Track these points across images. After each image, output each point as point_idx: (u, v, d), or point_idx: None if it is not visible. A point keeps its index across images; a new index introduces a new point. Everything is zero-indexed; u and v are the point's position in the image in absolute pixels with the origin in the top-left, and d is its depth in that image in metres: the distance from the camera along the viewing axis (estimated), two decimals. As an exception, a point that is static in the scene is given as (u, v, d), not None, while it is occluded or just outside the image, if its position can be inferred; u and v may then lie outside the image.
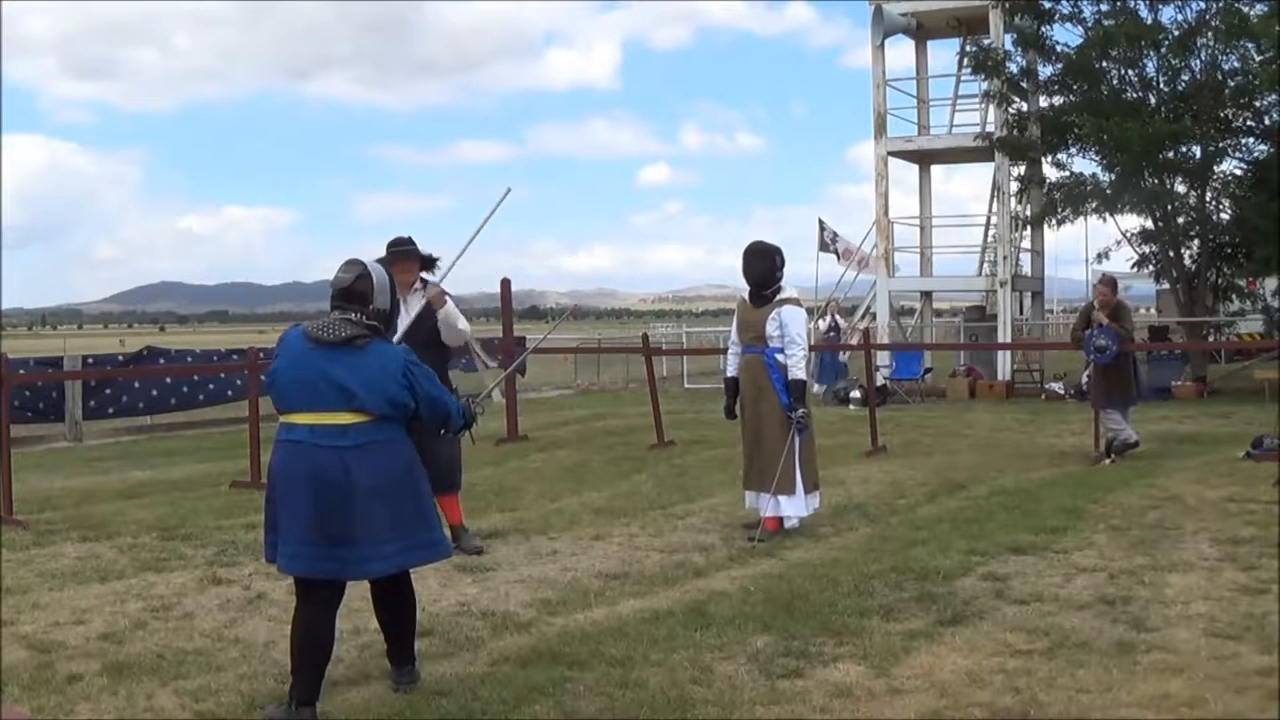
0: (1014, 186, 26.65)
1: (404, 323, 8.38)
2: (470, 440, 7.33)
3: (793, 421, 9.58)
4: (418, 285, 8.86)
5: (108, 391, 20.10)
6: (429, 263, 8.90)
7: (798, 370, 9.65)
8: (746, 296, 9.95)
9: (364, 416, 5.57)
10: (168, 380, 21.09)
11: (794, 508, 9.71)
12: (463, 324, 9.11)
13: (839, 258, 28.67)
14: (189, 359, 22.53)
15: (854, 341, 23.98)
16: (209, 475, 13.90)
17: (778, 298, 9.75)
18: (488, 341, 20.26)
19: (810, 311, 27.44)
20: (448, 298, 8.95)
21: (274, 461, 5.70)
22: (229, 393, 21.71)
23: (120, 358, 22.76)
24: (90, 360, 21.49)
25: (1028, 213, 26.97)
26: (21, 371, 16.41)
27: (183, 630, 7.08)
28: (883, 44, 26.73)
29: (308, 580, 5.64)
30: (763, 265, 9.79)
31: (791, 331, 9.63)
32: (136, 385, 20.58)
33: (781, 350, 9.65)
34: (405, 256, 8.74)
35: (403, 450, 5.73)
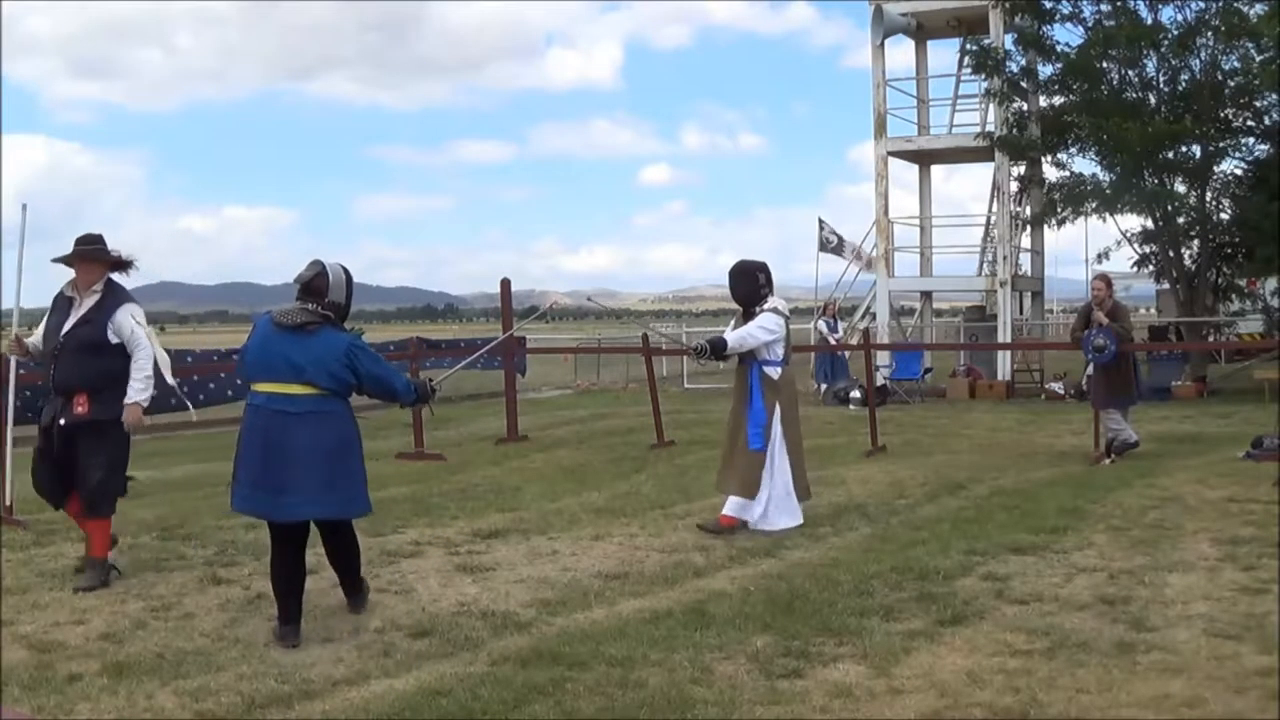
0: (1014, 186, 26.68)
1: (70, 322, 8.24)
2: (430, 412, 9.15)
3: (695, 351, 10.51)
4: (98, 287, 8.32)
5: (108, 391, 20.09)
6: (121, 265, 8.47)
7: (733, 338, 10.02)
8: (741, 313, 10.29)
9: (311, 389, 6.81)
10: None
11: (744, 511, 9.88)
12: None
13: (844, 255, 28.66)
14: (189, 359, 22.55)
15: (853, 341, 24.01)
16: (209, 475, 13.89)
17: (760, 311, 10.03)
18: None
19: (809, 311, 27.44)
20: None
21: (241, 422, 7.01)
22: (229, 392, 21.68)
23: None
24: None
25: (1028, 213, 27.00)
26: (22, 371, 16.37)
27: (183, 630, 7.08)
28: (883, 44, 26.74)
29: (271, 525, 7.00)
30: (746, 285, 10.14)
31: (753, 324, 9.96)
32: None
33: (766, 363, 9.97)
34: (88, 256, 8.32)
35: (340, 422, 6.95)
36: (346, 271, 7.18)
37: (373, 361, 7.05)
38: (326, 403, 6.86)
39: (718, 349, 10.06)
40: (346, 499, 6.96)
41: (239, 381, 8.01)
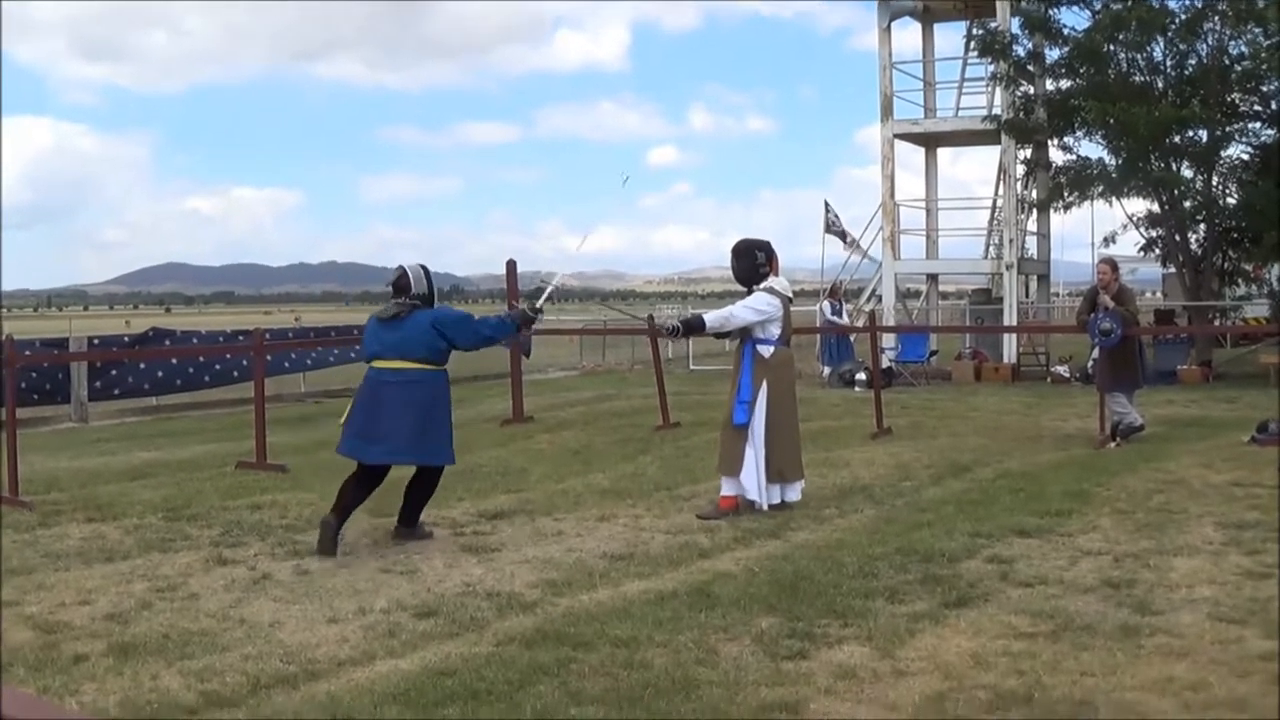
0: (1020, 170, 26.62)
1: None
2: (525, 356, 10.39)
3: (666, 332, 11.28)
4: None
5: (113, 373, 20.13)
6: None
7: (714, 316, 10.22)
8: None
9: (408, 363, 8.75)
10: (173, 361, 21.12)
11: (732, 488, 9.88)
12: None
13: (843, 242, 28.65)
14: (195, 340, 22.56)
15: (859, 324, 23.98)
16: (215, 456, 13.93)
17: (755, 290, 10.08)
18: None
19: (815, 294, 27.41)
20: None
21: (357, 390, 9.08)
22: (235, 374, 21.72)
23: (126, 339, 22.77)
24: (96, 341, 21.53)
25: (1034, 196, 26.96)
26: (27, 353, 16.42)
27: (188, 611, 7.09)
28: (890, 27, 26.69)
29: (360, 464, 8.88)
30: (745, 264, 10.19)
31: (739, 303, 10.06)
32: (142, 366, 20.62)
33: (759, 341, 10.00)
34: None
35: (429, 388, 8.79)
36: (424, 268, 9.11)
37: (457, 322, 8.94)
38: (419, 373, 8.74)
39: (692, 327, 10.19)
40: (429, 451, 8.85)
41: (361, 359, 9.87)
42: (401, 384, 8.70)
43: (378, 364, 8.85)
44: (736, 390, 9.99)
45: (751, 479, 9.80)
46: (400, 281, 8.99)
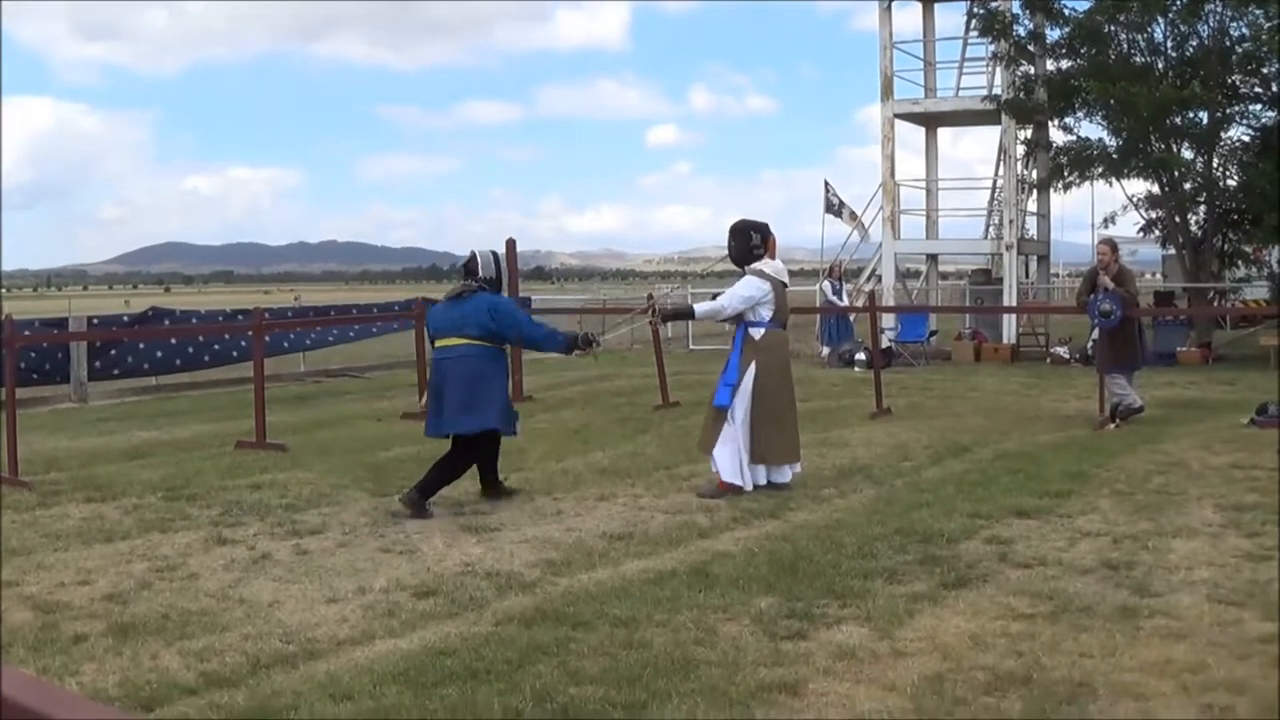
0: (1020, 150, 26.57)
1: None
2: (594, 359, 11.82)
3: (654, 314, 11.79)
4: None
5: (113, 352, 20.12)
6: None
7: (704, 307, 10.50)
8: None
9: (464, 339, 9.38)
10: (173, 341, 21.08)
11: (721, 467, 9.88)
12: None
13: (844, 219, 28.63)
14: (194, 320, 22.53)
15: (859, 304, 23.96)
16: (214, 436, 13.94)
17: (750, 268, 10.15)
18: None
19: (815, 274, 27.39)
20: None
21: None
22: (234, 353, 21.68)
23: (125, 318, 22.75)
24: (95, 321, 21.49)
25: (1034, 176, 26.91)
26: (27, 332, 16.40)
27: (187, 591, 7.11)
28: (890, 6, 26.61)
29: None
30: (738, 244, 10.26)
31: (728, 292, 10.18)
32: (142, 346, 20.59)
33: (750, 323, 10.03)
34: None
35: (481, 362, 9.37)
36: (495, 254, 9.88)
37: (509, 315, 9.54)
38: (472, 348, 9.36)
39: (681, 315, 10.53)
40: (480, 419, 9.32)
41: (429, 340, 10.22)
42: (456, 359, 9.36)
43: (439, 343, 9.56)
44: (723, 371, 10.04)
45: (725, 459, 9.80)
46: (469, 264, 9.77)
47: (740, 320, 10.05)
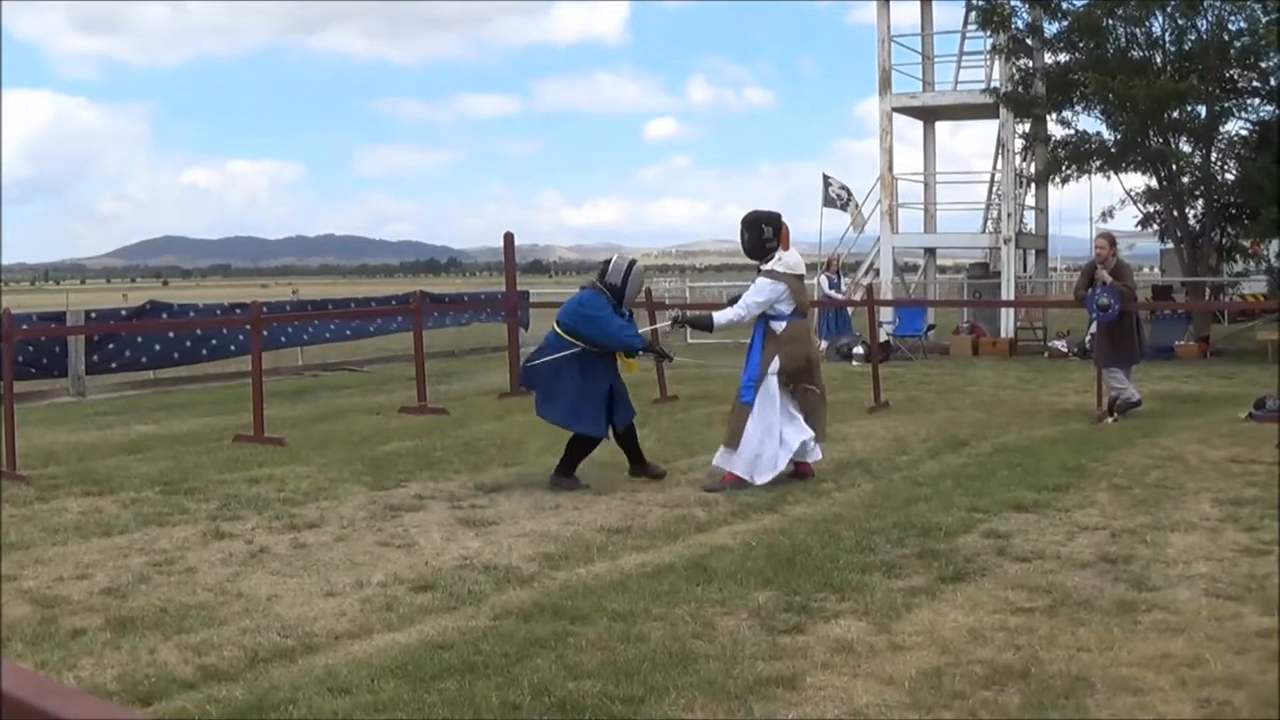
0: (1019, 144, 26.56)
1: None
2: (667, 360, 13.03)
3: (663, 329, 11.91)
4: None
5: (111, 346, 20.10)
6: None
7: (719, 313, 10.40)
8: None
9: (556, 327, 9.92)
10: (171, 335, 21.08)
11: (730, 461, 9.86)
12: None
13: (849, 212, 28.62)
14: (192, 313, 22.52)
15: (857, 297, 23.96)
16: (212, 429, 13.93)
17: (761, 269, 10.06)
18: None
19: (813, 267, 27.41)
20: None
21: None
22: (232, 347, 21.69)
23: (123, 312, 22.75)
24: (93, 315, 21.50)
25: (1032, 170, 26.92)
26: (25, 326, 16.40)
27: (185, 584, 7.10)
28: (888, -1, 26.60)
29: None
30: (750, 237, 10.18)
31: (741, 300, 10.13)
32: (139, 340, 20.58)
33: (770, 317, 9.99)
34: None
35: (551, 351, 9.92)
36: (631, 262, 10.27)
37: (587, 318, 9.87)
38: (553, 336, 10.00)
39: (701, 325, 10.61)
40: (547, 409, 10.06)
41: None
42: (544, 345, 10.15)
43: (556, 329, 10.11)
44: (745, 366, 10.02)
45: (746, 457, 9.78)
46: (602, 266, 10.30)
47: (759, 315, 10.01)
